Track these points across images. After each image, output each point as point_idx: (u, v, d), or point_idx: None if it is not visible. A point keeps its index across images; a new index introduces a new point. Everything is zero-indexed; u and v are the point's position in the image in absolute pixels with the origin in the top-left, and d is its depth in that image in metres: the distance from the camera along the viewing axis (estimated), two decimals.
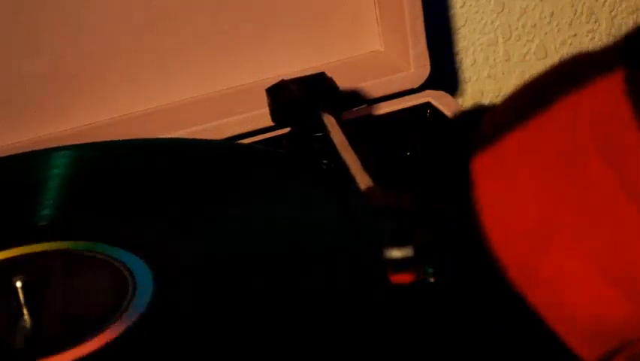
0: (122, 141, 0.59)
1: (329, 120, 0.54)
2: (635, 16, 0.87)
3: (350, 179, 0.49)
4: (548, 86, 0.35)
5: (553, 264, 0.32)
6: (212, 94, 0.68)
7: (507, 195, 0.33)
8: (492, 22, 0.82)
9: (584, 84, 0.33)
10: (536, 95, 0.35)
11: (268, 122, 0.59)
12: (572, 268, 0.32)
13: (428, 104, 0.66)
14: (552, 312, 0.33)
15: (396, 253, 0.39)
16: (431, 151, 0.60)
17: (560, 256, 0.32)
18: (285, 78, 0.57)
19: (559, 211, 0.32)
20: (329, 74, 0.58)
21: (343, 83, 0.65)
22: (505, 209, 0.33)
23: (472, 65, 0.83)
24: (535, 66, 0.85)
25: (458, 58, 0.82)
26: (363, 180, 0.46)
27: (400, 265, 0.39)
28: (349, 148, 0.50)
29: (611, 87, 0.32)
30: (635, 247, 0.31)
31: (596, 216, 0.31)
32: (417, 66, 0.68)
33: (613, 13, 0.86)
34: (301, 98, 0.56)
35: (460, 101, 0.83)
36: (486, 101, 0.85)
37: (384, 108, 0.67)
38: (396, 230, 0.39)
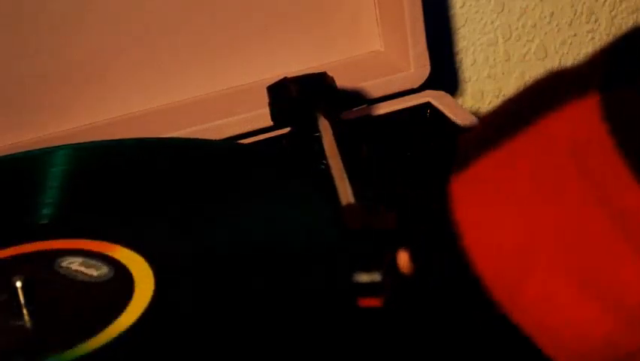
0: (122, 140, 0.59)
1: (323, 124, 0.54)
2: (635, 16, 0.87)
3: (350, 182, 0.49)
4: (523, 109, 0.35)
5: (535, 285, 0.33)
6: (212, 94, 0.68)
7: (486, 219, 0.34)
8: (492, 22, 0.82)
9: (559, 107, 0.33)
10: (512, 117, 0.35)
11: (268, 122, 0.59)
12: (554, 289, 0.32)
13: (428, 104, 0.66)
14: (538, 332, 0.33)
15: (364, 278, 0.39)
16: (430, 151, 0.60)
17: (541, 277, 0.33)
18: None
19: (538, 233, 0.33)
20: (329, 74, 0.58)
21: (343, 83, 0.65)
22: (485, 232, 0.34)
23: (472, 65, 0.83)
24: (535, 66, 0.85)
25: (458, 58, 0.82)
26: (345, 195, 0.45)
27: (368, 289, 0.39)
28: (338, 158, 0.49)
29: (587, 111, 0.32)
30: (616, 266, 0.31)
31: (576, 237, 0.32)
32: (417, 66, 0.68)
33: (613, 13, 0.86)
34: (299, 100, 0.56)
35: (460, 101, 0.83)
36: (486, 101, 0.85)
37: (384, 108, 0.67)
38: (366, 254, 0.39)
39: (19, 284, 0.44)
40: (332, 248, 0.46)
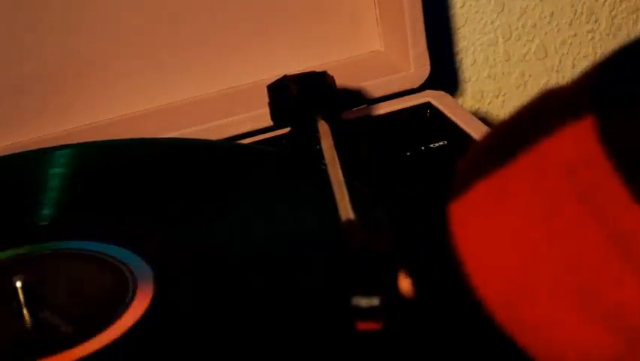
0: (122, 140, 0.59)
1: (323, 128, 0.53)
2: (635, 16, 0.87)
3: (351, 181, 0.49)
4: (518, 132, 0.35)
5: (537, 308, 0.33)
6: (212, 94, 0.68)
7: (486, 243, 0.34)
8: (492, 22, 0.82)
9: (554, 130, 0.33)
10: (506, 140, 0.35)
11: (268, 122, 0.59)
12: (556, 311, 0.32)
13: (428, 104, 0.66)
14: (542, 354, 0.33)
15: (363, 302, 0.38)
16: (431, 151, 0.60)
17: (543, 299, 0.33)
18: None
19: (538, 256, 0.33)
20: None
21: (343, 83, 0.65)
22: (485, 256, 0.34)
23: (472, 65, 0.83)
24: (535, 66, 0.85)
25: (458, 58, 0.82)
26: (344, 210, 0.45)
27: (366, 313, 0.39)
28: (337, 168, 0.48)
29: (582, 133, 0.32)
30: (616, 287, 0.31)
31: (575, 259, 0.32)
32: (417, 66, 0.68)
33: (613, 13, 0.86)
34: (299, 99, 0.56)
35: (460, 101, 0.83)
36: (486, 101, 0.85)
37: (384, 108, 0.67)
38: (365, 278, 0.39)
39: (19, 284, 0.44)
40: (333, 248, 0.46)
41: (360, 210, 0.44)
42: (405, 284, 0.37)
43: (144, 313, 0.43)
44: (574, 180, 0.32)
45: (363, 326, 0.38)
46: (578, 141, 0.32)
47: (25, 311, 0.44)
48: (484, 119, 0.70)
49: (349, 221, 0.43)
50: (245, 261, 0.47)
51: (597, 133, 0.31)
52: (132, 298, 0.44)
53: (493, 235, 0.34)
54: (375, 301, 0.38)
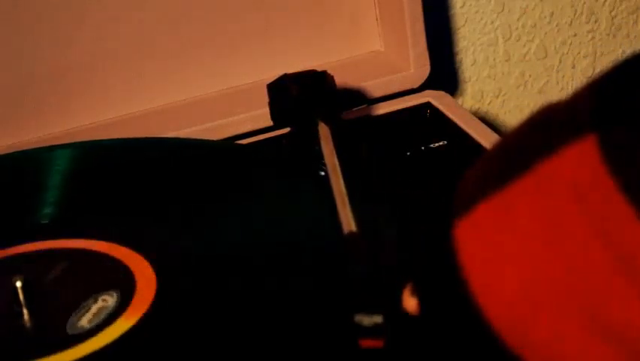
0: (123, 140, 0.59)
1: (323, 131, 0.53)
2: (635, 16, 0.87)
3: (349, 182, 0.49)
4: (520, 150, 0.35)
5: (544, 327, 0.33)
6: (212, 94, 0.68)
7: (490, 263, 0.34)
8: (492, 22, 0.82)
9: (557, 149, 0.33)
10: (509, 159, 0.35)
11: (268, 122, 0.59)
12: (563, 330, 0.33)
13: (428, 104, 0.66)
14: None
15: (366, 321, 0.38)
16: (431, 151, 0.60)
17: (550, 318, 0.33)
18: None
19: (543, 275, 0.33)
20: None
21: (343, 83, 0.65)
22: (490, 276, 0.34)
23: (472, 65, 0.83)
24: (535, 66, 0.85)
25: (458, 58, 0.82)
26: (346, 221, 0.44)
27: (369, 331, 0.38)
28: (339, 175, 0.48)
29: (585, 152, 0.32)
30: (622, 306, 0.31)
31: (581, 278, 0.32)
32: (417, 66, 0.68)
33: (613, 13, 0.86)
34: (298, 99, 0.56)
35: (460, 101, 0.83)
36: (486, 101, 0.85)
37: (384, 108, 0.67)
38: (368, 295, 0.39)
39: (19, 284, 0.44)
40: (333, 248, 0.46)
41: (364, 220, 0.44)
42: (410, 303, 0.37)
43: (144, 313, 0.43)
44: (578, 199, 0.32)
45: (366, 343, 0.38)
46: (581, 160, 0.32)
47: (25, 311, 0.44)
48: (484, 119, 0.70)
49: (352, 233, 0.43)
50: (245, 261, 0.47)
51: (600, 152, 0.31)
52: (132, 298, 0.44)
53: (498, 254, 0.34)
54: (377, 319, 0.38)
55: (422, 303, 0.37)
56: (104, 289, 0.45)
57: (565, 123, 0.33)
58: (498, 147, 0.37)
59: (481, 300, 0.34)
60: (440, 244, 0.35)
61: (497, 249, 0.34)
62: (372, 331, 0.38)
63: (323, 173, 0.51)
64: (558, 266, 0.32)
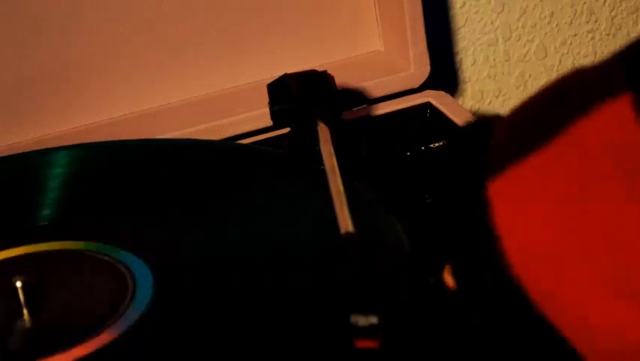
0: (122, 141, 0.59)
1: (323, 132, 0.53)
2: (635, 16, 0.87)
3: (352, 183, 0.49)
4: (553, 111, 0.35)
5: (573, 286, 0.33)
6: (212, 94, 0.68)
7: (523, 219, 0.34)
8: (492, 22, 0.82)
9: (591, 110, 0.33)
10: (542, 119, 0.35)
11: (268, 122, 0.59)
12: (591, 290, 0.33)
13: (428, 104, 0.66)
14: (574, 334, 0.33)
15: (361, 321, 0.38)
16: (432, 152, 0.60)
17: (579, 278, 0.33)
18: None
19: (575, 235, 0.33)
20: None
21: (343, 83, 0.65)
22: (523, 234, 0.34)
23: (472, 65, 0.83)
24: (535, 66, 0.85)
25: (458, 58, 0.82)
26: (343, 222, 0.44)
27: (364, 332, 0.38)
28: (337, 176, 0.48)
29: (620, 113, 0.32)
30: None
31: (613, 238, 0.32)
32: (417, 66, 0.68)
33: (613, 13, 0.86)
34: (298, 99, 0.56)
35: (460, 101, 0.83)
36: (486, 101, 0.85)
37: (384, 108, 0.67)
38: (363, 296, 0.39)
39: (19, 284, 0.44)
40: (333, 248, 0.46)
41: (361, 219, 0.44)
42: (449, 279, 0.38)
43: (144, 314, 0.43)
44: (614, 159, 0.32)
45: (361, 343, 0.38)
46: (616, 120, 0.32)
47: (25, 311, 0.44)
48: None
49: (349, 234, 0.43)
50: (245, 261, 0.47)
51: (634, 112, 0.32)
52: (132, 299, 0.44)
53: (532, 212, 0.34)
54: (373, 320, 0.38)
55: (456, 271, 0.37)
56: (103, 289, 0.45)
57: (599, 86, 0.33)
58: (527, 106, 0.37)
59: (512, 258, 0.34)
60: (473, 203, 0.35)
61: (531, 207, 0.34)
62: (368, 331, 0.38)
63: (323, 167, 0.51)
64: (590, 225, 0.32)
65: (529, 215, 0.34)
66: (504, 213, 0.34)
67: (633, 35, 0.87)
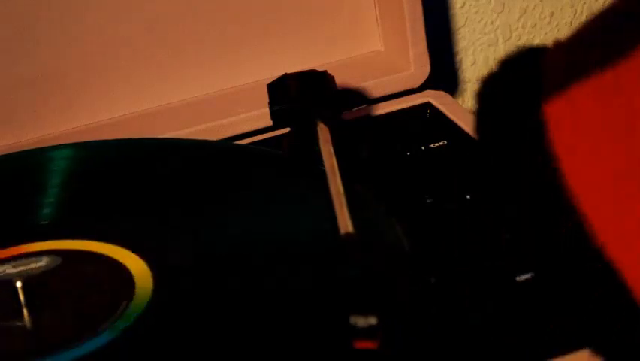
0: (123, 140, 0.59)
1: (322, 132, 0.53)
2: None
3: (351, 183, 0.49)
4: (610, 39, 0.34)
5: (633, 214, 0.32)
6: (212, 94, 0.68)
7: (583, 146, 0.33)
8: (492, 22, 0.82)
9: None
10: (599, 46, 0.34)
11: (268, 122, 0.59)
12: None
13: (428, 104, 0.66)
14: (629, 266, 0.32)
15: (360, 322, 0.38)
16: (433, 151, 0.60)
17: (634, 209, 0.32)
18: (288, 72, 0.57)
19: (637, 163, 0.32)
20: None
21: (343, 83, 0.65)
22: (582, 158, 0.33)
23: (472, 65, 0.83)
24: None
25: (458, 58, 0.82)
26: (343, 222, 0.44)
27: (363, 332, 0.38)
28: (337, 177, 0.48)
29: None
30: None
31: None
32: (417, 66, 0.68)
33: None
34: (298, 99, 0.56)
35: (460, 101, 0.83)
36: None
37: (384, 108, 0.67)
38: (363, 297, 0.38)
39: (19, 284, 0.44)
40: (333, 248, 0.46)
41: (361, 219, 0.44)
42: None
43: (144, 313, 0.43)
44: None
45: (360, 344, 0.38)
46: None
47: (25, 311, 0.44)
48: None
49: (348, 234, 0.43)
50: (245, 261, 0.47)
51: None
52: (132, 299, 0.44)
53: (593, 137, 0.33)
54: (372, 321, 0.38)
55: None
56: (103, 289, 0.45)
57: None
58: (582, 33, 0.36)
59: (571, 181, 0.33)
60: (528, 118, 0.35)
61: (591, 132, 0.33)
62: (367, 332, 0.38)
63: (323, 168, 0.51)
64: None
65: (590, 139, 0.32)
66: (563, 134, 0.33)
67: None
